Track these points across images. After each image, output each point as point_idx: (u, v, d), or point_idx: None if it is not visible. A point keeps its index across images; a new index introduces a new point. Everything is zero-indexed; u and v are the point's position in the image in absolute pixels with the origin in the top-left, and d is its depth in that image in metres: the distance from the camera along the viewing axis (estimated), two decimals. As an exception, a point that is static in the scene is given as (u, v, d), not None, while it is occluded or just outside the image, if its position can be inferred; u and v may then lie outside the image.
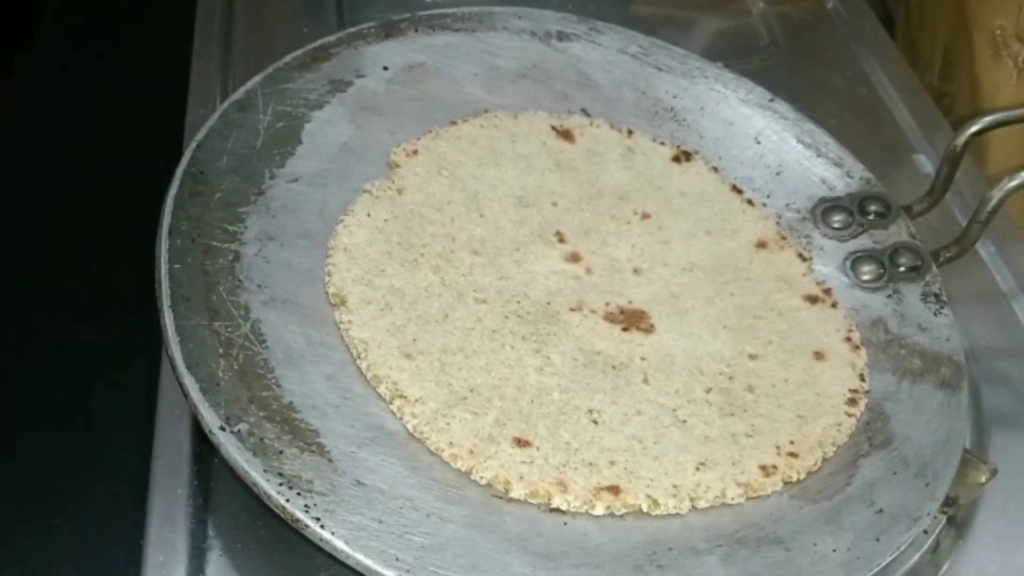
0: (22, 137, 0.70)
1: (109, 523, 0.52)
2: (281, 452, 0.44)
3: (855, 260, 0.61)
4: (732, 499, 0.49)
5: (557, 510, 0.47)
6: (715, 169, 0.65)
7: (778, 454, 0.51)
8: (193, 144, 0.55)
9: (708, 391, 0.53)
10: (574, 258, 0.58)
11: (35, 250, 0.65)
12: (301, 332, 0.50)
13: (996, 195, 0.56)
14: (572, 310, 0.55)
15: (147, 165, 0.58)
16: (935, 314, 0.58)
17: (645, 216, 0.62)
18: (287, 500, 0.42)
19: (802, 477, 0.50)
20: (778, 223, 0.63)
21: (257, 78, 0.59)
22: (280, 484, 0.43)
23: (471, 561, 0.43)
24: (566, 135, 0.65)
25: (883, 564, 0.46)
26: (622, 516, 0.47)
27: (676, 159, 0.65)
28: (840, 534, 0.47)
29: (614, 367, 0.53)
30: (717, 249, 0.61)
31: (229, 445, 0.43)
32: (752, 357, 0.56)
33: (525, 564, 0.43)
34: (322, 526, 0.42)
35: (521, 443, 0.49)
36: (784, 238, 0.62)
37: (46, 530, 0.52)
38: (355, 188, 0.58)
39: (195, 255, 0.50)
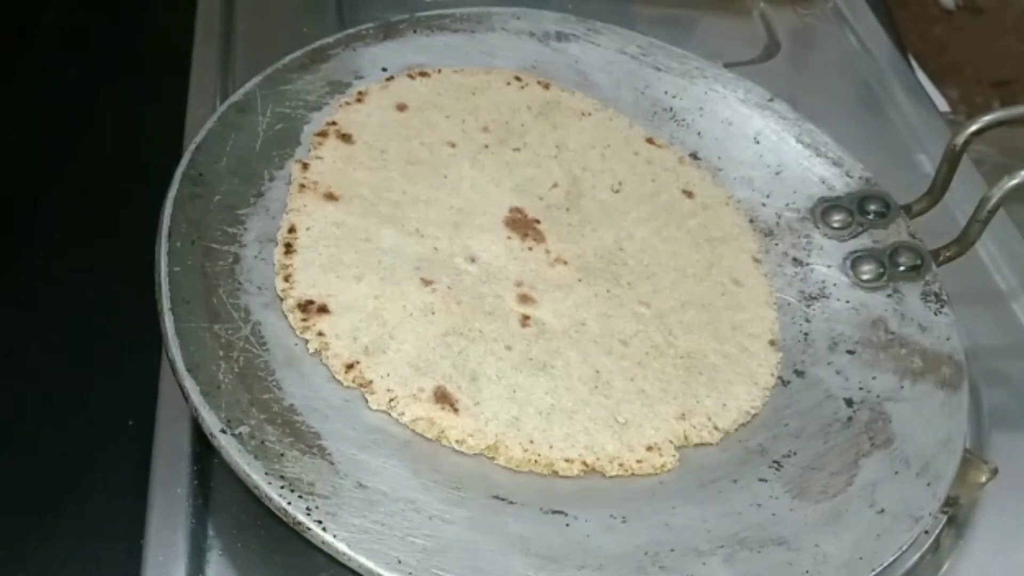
0: (22, 137, 0.70)
1: (109, 523, 0.52)
2: (282, 455, 0.44)
3: (855, 260, 0.61)
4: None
5: (560, 512, 0.47)
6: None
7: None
8: (192, 146, 0.55)
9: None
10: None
11: (35, 251, 0.65)
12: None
13: (996, 194, 0.56)
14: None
15: (147, 166, 0.58)
16: (935, 313, 0.58)
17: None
18: (289, 503, 0.42)
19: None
20: (778, 222, 0.63)
21: (256, 80, 0.60)
22: (282, 487, 0.43)
23: (474, 563, 0.43)
24: None
25: (885, 564, 0.46)
26: (623, 519, 0.47)
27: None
28: (842, 534, 0.47)
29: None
30: None
31: (230, 448, 0.43)
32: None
33: (528, 566, 0.43)
34: (324, 529, 0.42)
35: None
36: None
37: (46, 530, 0.52)
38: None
39: (195, 257, 0.50)
